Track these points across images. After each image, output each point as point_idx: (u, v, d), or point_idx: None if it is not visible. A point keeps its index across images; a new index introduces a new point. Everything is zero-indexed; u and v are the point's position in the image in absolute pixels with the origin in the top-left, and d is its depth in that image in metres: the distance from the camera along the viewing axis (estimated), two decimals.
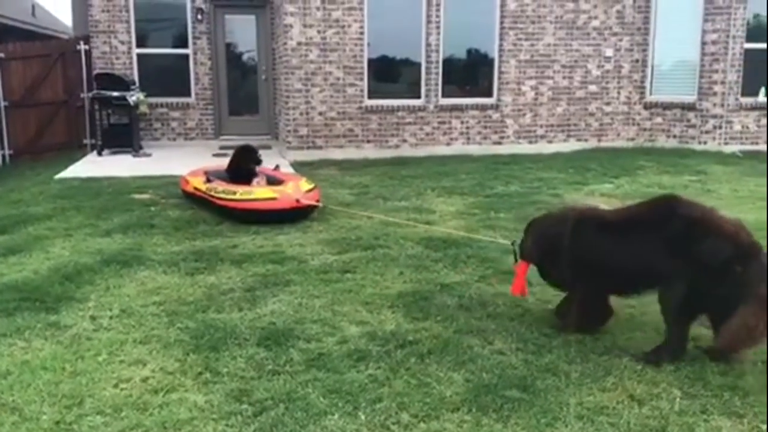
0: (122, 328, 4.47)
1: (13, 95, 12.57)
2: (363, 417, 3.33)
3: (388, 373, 3.76)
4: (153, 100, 12.72)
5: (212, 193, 7.48)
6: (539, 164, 10.98)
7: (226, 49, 13.61)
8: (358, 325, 4.44)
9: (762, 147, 12.28)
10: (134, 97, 11.85)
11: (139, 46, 12.91)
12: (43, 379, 3.77)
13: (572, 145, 12.66)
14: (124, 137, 12.02)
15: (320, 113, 11.79)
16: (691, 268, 3.69)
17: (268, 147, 12.56)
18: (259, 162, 8.22)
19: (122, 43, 12.75)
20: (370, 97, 11.97)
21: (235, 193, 7.28)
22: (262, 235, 6.67)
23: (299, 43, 11.53)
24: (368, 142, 12.03)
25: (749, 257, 3.65)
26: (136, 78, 12.72)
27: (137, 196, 8.57)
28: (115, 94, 11.74)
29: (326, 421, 3.29)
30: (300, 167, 10.66)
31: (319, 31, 11.56)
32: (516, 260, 4.56)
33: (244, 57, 14.01)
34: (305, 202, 7.18)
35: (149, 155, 11.82)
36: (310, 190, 7.46)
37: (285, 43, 11.60)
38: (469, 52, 12.71)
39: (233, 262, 5.83)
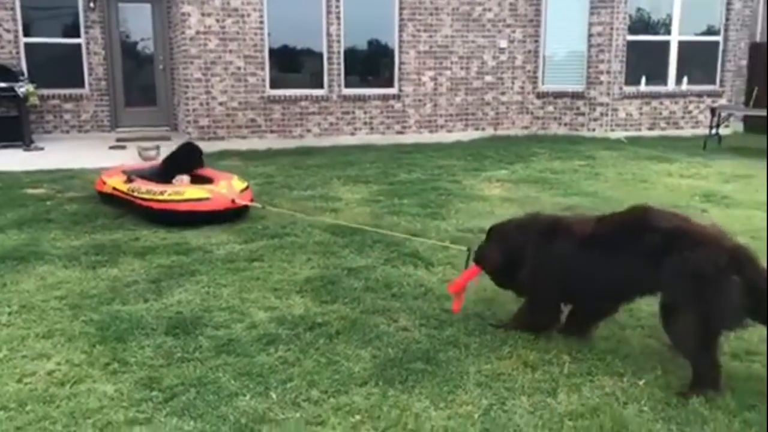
0: (23, 324, 4.36)
1: None
2: (274, 396, 3.43)
3: (297, 354, 3.88)
4: (44, 91, 12.16)
5: (135, 194, 6.92)
6: (440, 153, 11.30)
7: (121, 39, 13.19)
8: (267, 311, 4.52)
9: (644, 133, 13.13)
10: (23, 88, 11.30)
11: (26, 34, 12.30)
12: None
13: (471, 134, 13.08)
14: (13, 131, 11.44)
15: (221, 103, 11.66)
16: (683, 285, 3.42)
17: (167, 138, 12.31)
18: (201, 165, 7.64)
19: (8, 31, 12.12)
20: (272, 87, 11.94)
21: (162, 193, 6.77)
22: (166, 228, 6.59)
23: (198, 32, 11.35)
24: (272, 132, 12.00)
25: (743, 262, 3.36)
26: (24, 68, 12.13)
27: (31, 190, 8.24)
28: (2, 85, 11.17)
29: (238, 401, 3.38)
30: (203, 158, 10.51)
31: (217, 20, 11.42)
32: (467, 266, 4.36)
33: (140, 46, 13.59)
34: (241, 202, 6.78)
35: (41, 149, 11.33)
36: (244, 189, 7.08)
37: (183, 32, 11.39)
38: (370, 42, 12.88)
39: (136, 255, 5.76)
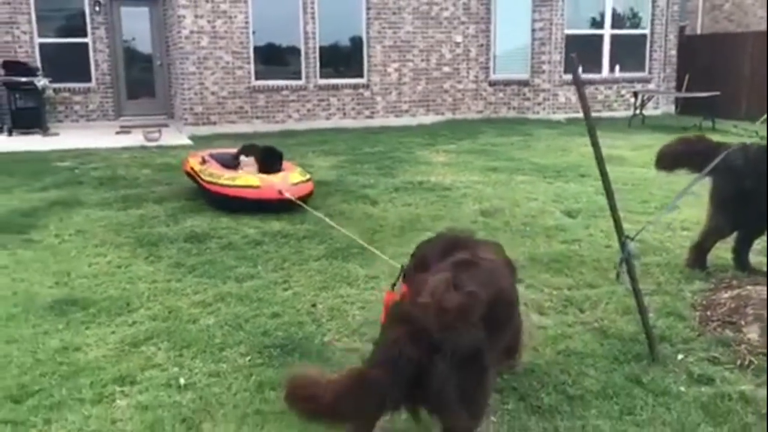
0: (82, 240, 6.19)
1: None
2: (260, 268, 5.30)
3: (276, 248, 5.76)
4: (56, 85, 13.90)
5: (202, 175, 7.30)
6: (402, 133, 13.17)
7: (123, 38, 14.96)
8: (255, 228, 6.38)
9: (580, 114, 15.04)
10: (42, 82, 13.06)
11: (40, 35, 14.04)
12: (34, 265, 5.48)
13: (432, 118, 14.96)
14: (32, 119, 13.20)
15: (213, 93, 13.48)
16: None
17: (165, 125, 14.11)
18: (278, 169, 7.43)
19: (24, 33, 13.86)
20: (257, 78, 13.77)
21: (220, 177, 7.08)
22: (174, 185, 8.41)
23: (191, 32, 13.17)
24: (257, 118, 13.83)
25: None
26: (39, 65, 13.87)
27: (59, 163, 10.02)
28: (23, 79, 12.92)
29: (237, 270, 5.25)
30: (198, 140, 12.34)
31: (209, 21, 13.24)
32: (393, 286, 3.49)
33: (140, 45, 15.38)
34: (286, 195, 6.72)
35: (57, 134, 13.08)
36: (298, 183, 7.06)
37: (179, 32, 13.19)
38: (342, 38, 14.72)
39: (155, 201, 7.59)
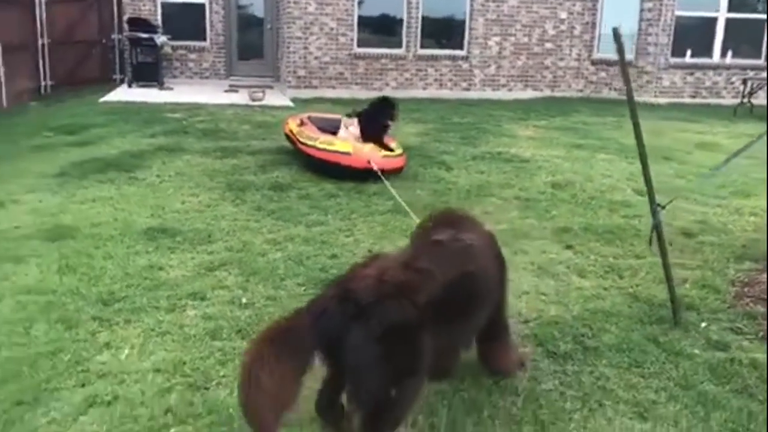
0: (179, 181, 6.86)
1: (55, 34, 14.69)
2: (329, 217, 5.76)
3: (347, 200, 6.21)
4: (174, 43, 14.87)
5: (299, 137, 7.55)
6: (496, 106, 13.28)
7: (239, 3, 15.77)
8: (332, 183, 6.84)
9: (686, 100, 14.61)
10: (161, 39, 14.05)
11: None
12: (135, 199, 6.18)
13: (529, 94, 14.94)
14: (150, 73, 14.22)
15: (316, 58, 14.05)
16: None
17: (270, 87, 14.82)
18: (392, 118, 7.53)
19: None
20: (358, 46, 14.21)
21: (316, 140, 7.29)
22: (268, 140, 9.01)
23: None
24: (356, 84, 14.30)
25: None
26: (160, 23, 14.87)
27: (170, 114, 10.88)
28: (145, 35, 13.94)
29: (309, 217, 5.73)
30: (299, 102, 12.94)
31: None
32: None
33: (252, 9, 16.16)
34: (373, 165, 6.77)
35: (171, 89, 14.04)
36: (389, 156, 7.11)
37: None
38: (444, 9, 14.87)
39: (249, 153, 8.21)
